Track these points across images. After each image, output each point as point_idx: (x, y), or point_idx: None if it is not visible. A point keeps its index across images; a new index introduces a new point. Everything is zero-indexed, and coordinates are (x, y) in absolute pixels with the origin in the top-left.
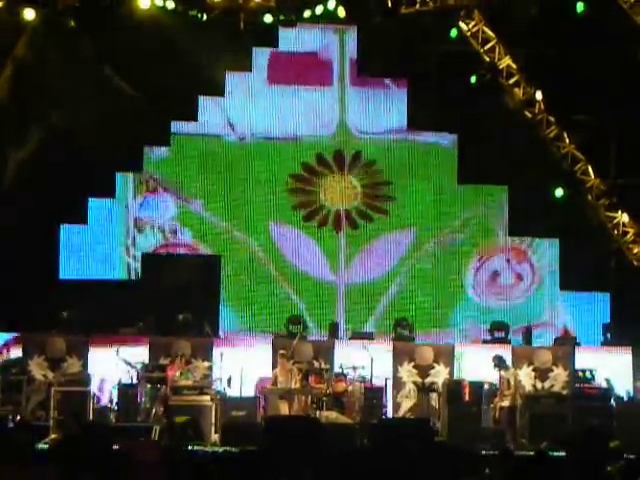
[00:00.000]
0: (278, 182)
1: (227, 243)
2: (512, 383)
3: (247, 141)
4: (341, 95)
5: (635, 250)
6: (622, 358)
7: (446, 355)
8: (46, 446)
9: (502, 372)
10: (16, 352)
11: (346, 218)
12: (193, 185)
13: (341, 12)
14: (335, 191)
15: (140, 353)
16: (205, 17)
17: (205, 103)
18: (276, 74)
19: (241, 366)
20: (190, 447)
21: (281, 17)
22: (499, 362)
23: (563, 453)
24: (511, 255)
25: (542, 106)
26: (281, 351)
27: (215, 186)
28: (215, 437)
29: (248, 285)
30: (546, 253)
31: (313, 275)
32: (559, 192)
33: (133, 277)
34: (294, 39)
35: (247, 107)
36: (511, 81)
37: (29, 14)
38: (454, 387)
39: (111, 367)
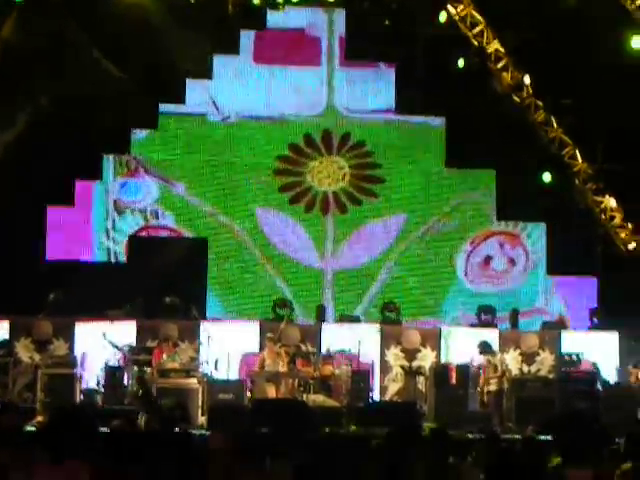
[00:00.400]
0: (264, 164)
1: (211, 227)
2: (499, 367)
3: (231, 121)
4: (329, 74)
5: (622, 234)
6: (609, 342)
7: (433, 338)
8: (33, 429)
9: (488, 357)
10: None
11: (334, 201)
12: (176, 167)
13: None
14: (323, 173)
15: (127, 335)
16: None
17: (192, 85)
18: (262, 52)
19: (227, 350)
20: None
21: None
22: (485, 348)
23: (549, 437)
24: (504, 239)
25: (530, 90)
26: (268, 334)
27: (199, 168)
28: (202, 420)
29: (233, 270)
30: (541, 237)
31: (300, 260)
32: (547, 177)
33: (113, 260)
34: (282, 16)
35: (232, 86)
36: (499, 65)
37: None
38: (441, 370)
39: (98, 349)
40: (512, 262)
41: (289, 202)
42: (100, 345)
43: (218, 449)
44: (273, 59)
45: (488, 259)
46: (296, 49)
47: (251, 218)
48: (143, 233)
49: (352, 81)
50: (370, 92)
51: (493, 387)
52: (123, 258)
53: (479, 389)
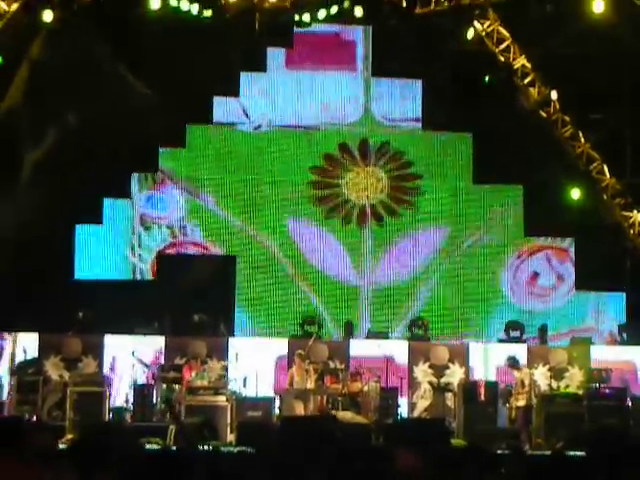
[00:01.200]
0: (297, 175)
1: (241, 242)
2: (527, 383)
3: (262, 130)
4: (366, 79)
5: None
6: (638, 357)
7: (461, 355)
8: (63, 447)
9: (516, 372)
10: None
11: (371, 213)
12: (204, 179)
13: (358, 11)
14: (359, 184)
15: (155, 352)
16: (220, 18)
17: (219, 102)
18: (294, 56)
19: (256, 367)
20: (205, 447)
21: (296, 17)
22: (513, 362)
23: (580, 453)
24: (552, 254)
25: (557, 106)
26: (299, 351)
27: (228, 180)
28: (231, 437)
29: (263, 286)
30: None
31: (335, 276)
32: (575, 193)
33: (138, 277)
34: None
35: (261, 96)
36: (526, 81)
37: (47, 16)
38: (469, 387)
39: (126, 367)
40: (560, 278)
41: (325, 215)
42: (129, 363)
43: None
44: (305, 64)
45: (535, 275)
46: (330, 53)
47: (283, 232)
48: (171, 250)
49: (390, 85)
50: (410, 98)
51: (522, 403)
52: (148, 275)
53: (508, 405)
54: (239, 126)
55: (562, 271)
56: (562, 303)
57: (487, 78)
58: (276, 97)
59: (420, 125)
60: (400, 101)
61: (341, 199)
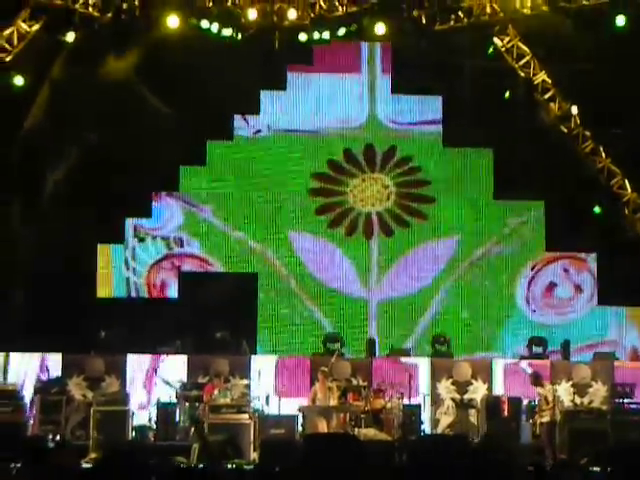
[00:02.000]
0: (298, 183)
1: (240, 255)
2: (550, 399)
3: (263, 135)
4: (371, 82)
5: None
6: None
7: (484, 371)
8: (88, 466)
9: (540, 389)
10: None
11: (378, 223)
12: (201, 188)
13: (380, 28)
14: (365, 192)
15: (178, 371)
16: (240, 36)
17: (238, 120)
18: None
19: (280, 385)
20: (229, 465)
21: (315, 36)
22: (536, 379)
23: (604, 469)
24: (569, 264)
25: (578, 121)
26: (322, 368)
27: (226, 189)
28: (254, 455)
29: (272, 304)
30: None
31: (341, 291)
32: (596, 209)
33: (133, 294)
34: None
35: (261, 95)
36: (546, 96)
37: (69, 37)
38: (493, 403)
39: (149, 385)
40: (578, 289)
41: (328, 225)
42: (152, 381)
43: None
44: (308, 65)
45: (552, 286)
46: (334, 54)
47: (285, 243)
48: (166, 262)
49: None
50: (418, 101)
51: (545, 419)
52: (143, 290)
53: (531, 421)
54: (237, 131)
55: (580, 281)
56: (581, 315)
57: (507, 94)
58: (277, 96)
59: (436, 128)
60: (411, 101)
61: (345, 208)
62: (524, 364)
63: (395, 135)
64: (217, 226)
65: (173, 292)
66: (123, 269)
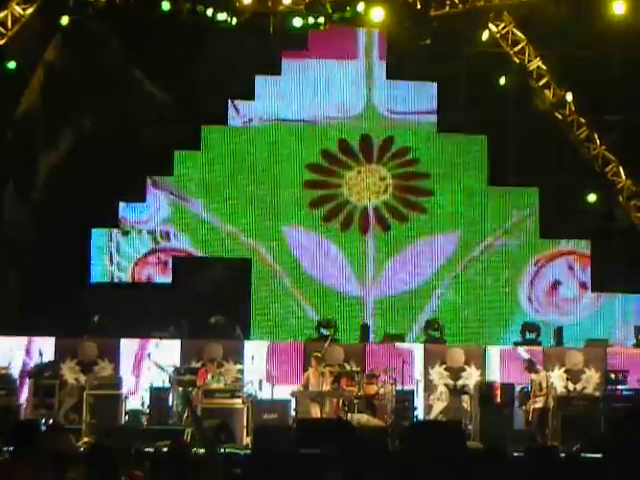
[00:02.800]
0: (292, 174)
1: (232, 250)
2: (544, 385)
3: (254, 125)
4: (368, 69)
5: None
6: None
7: (477, 357)
8: (81, 449)
9: (533, 375)
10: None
11: (375, 217)
12: (190, 180)
13: (378, 13)
14: (361, 185)
15: (171, 355)
16: (235, 21)
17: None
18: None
19: (272, 369)
20: (222, 450)
21: (311, 20)
22: (530, 365)
23: (596, 455)
24: (574, 260)
25: (572, 107)
26: (315, 353)
27: (217, 181)
28: (247, 440)
29: (266, 297)
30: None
31: (336, 288)
32: (591, 197)
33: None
34: None
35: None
36: (541, 83)
37: (63, 20)
38: (486, 389)
39: (142, 370)
40: (584, 286)
41: (322, 219)
42: (145, 366)
43: None
44: (302, 52)
45: (556, 284)
46: (328, 41)
47: (278, 238)
48: (152, 257)
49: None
50: (416, 90)
51: (539, 405)
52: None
53: (524, 407)
54: (228, 121)
55: (585, 279)
56: (586, 315)
57: (504, 80)
58: (267, 84)
59: (435, 118)
60: (409, 90)
61: (340, 201)
62: (521, 350)
63: (392, 124)
64: (207, 220)
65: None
66: (106, 262)
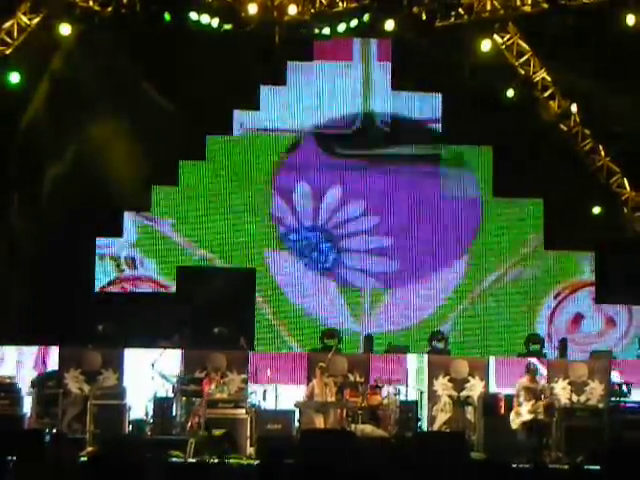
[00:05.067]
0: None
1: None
2: (543, 393)
3: (235, 135)
4: (369, 76)
5: None
6: None
7: (481, 369)
8: (84, 459)
9: (530, 378)
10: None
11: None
12: (159, 198)
13: (389, 24)
14: None
15: (175, 365)
16: (240, 31)
17: (238, 116)
18: None
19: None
20: (226, 460)
21: (316, 31)
22: (530, 367)
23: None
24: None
25: (577, 119)
26: (320, 363)
27: (189, 199)
28: (250, 450)
29: (267, 310)
30: None
31: (326, 322)
32: (596, 209)
33: None
34: None
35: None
36: (546, 94)
37: (65, 30)
38: (489, 400)
39: (146, 380)
40: (611, 322)
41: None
42: (149, 376)
43: None
44: (307, 61)
45: (578, 318)
46: (322, 43)
47: (259, 265)
48: (115, 288)
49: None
50: (417, 96)
51: (542, 417)
52: None
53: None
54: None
55: (613, 313)
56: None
57: (511, 92)
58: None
59: (437, 126)
60: (411, 95)
61: None
62: (534, 360)
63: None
64: (178, 243)
65: None
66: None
